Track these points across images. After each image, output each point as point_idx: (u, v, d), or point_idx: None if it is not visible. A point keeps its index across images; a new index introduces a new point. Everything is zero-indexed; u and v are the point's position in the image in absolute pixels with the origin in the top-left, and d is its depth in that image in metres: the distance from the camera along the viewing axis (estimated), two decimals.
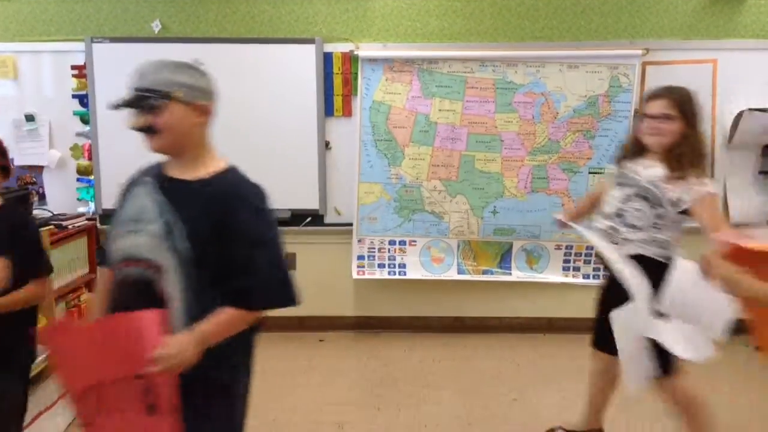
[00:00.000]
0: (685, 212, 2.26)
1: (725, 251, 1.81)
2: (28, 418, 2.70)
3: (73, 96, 3.82)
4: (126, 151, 3.78)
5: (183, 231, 1.52)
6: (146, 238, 1.53)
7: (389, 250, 3.94)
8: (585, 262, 3.94)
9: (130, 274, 1.55)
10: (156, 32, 3.76)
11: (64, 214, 3.68)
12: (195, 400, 1.51)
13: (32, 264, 2.05)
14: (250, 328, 1.63)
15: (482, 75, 3.72)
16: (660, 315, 2.16)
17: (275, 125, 3.81)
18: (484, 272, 3.97)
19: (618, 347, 2.24)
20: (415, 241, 3.94)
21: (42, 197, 3.92)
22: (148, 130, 1.53)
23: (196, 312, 1.51)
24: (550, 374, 3.48)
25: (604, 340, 2.41)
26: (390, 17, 3.80)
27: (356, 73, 3.77)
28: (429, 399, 3.18)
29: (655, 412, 2.73)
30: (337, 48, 3.79)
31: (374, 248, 3.95)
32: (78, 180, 3.92)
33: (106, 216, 3.88)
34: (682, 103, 2.28)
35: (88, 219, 3.77)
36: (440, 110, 3.74)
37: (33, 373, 3.03)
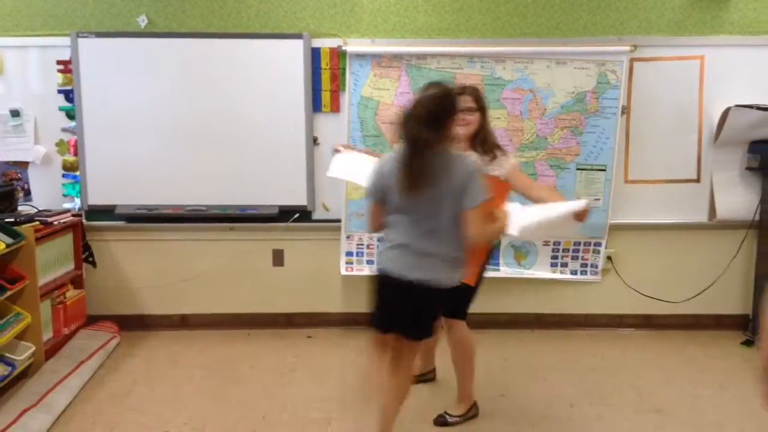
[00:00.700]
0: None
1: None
2: (12, 415, 2.70)
3: (59, 91, 3.78)
4: (112, 147, 3.82)
5: None
6: None
7: (378, 246, 3.93)
8: (573, 258, 3.93)
9: None
10: (142, 27, 3.71)
11: (49, 210, 3.64)
12: None
13: None
14: None
15: (471, 71, 3.72)
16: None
17: (263, 121, 3.79)
18: None
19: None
20: None
21: (27, 193, 3.89)
22: None
23: None
24: (537, 370, 3.49)
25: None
26: (378, 12, 3.79)
27: (344, 69, 3.75)
28: (416, 394, 3.18)
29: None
30: (325, 43, 3.78)
31: (363, 245, 3.94)
32: (64, 176, 3.88)
33: (92, 212, 3.87)
34: (478, 98, 2.73)
35: (73, 215, 3.74)
36: None
37: (18, 369, 3.04)
